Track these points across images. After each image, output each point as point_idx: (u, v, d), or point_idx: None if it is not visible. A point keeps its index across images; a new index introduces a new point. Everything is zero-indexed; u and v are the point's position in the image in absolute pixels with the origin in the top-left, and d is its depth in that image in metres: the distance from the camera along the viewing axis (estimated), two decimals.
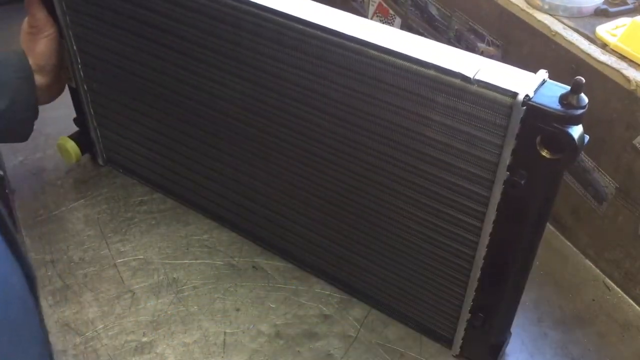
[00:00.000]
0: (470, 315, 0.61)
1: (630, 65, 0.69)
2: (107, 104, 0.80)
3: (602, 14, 0.78)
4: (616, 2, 0.80)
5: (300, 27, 0.55)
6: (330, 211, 0.66)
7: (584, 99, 0.46)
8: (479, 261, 0.56)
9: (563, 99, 0.45)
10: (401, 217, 0.60)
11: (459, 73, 0.48)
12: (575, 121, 0.45)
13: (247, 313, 0.70)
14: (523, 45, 0.82)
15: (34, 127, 0.88)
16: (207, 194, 0.77)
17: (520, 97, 0.46)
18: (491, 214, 0.53)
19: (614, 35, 0.72)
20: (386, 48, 0.51)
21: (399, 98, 0.52)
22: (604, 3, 0.79)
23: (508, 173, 0.49)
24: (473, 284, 0.58)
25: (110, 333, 0.67)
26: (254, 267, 0.75)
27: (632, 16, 0.76)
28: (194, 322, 0.68)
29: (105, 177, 0.85)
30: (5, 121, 0.70)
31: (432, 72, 0.50)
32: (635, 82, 0.67)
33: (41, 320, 0.55)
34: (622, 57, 0.70)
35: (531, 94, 0.46)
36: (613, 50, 0.71)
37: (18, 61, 0.70)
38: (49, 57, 0.73)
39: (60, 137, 0.83)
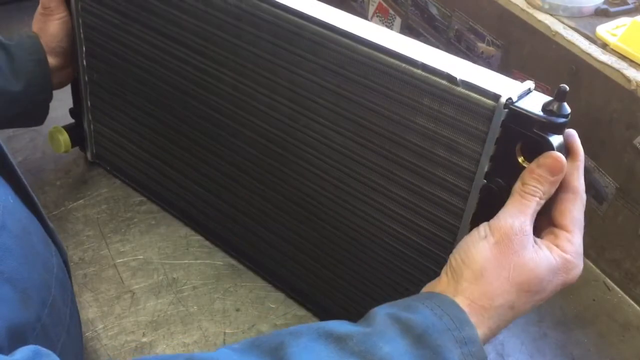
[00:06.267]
0: None
1: (631, 65, 0.69)
2: (105, 97, 0.79)
3: (602, 14, 0.78)
4: (616, 2, 0.80)
5: (295, 19, 0.55)
6: (304, 218, 0.64)
7: (567, 108, 0.45)
8: None
9: (546, 106, 0.45)
10: (373, 226, 0.59)
11: (446, 73, 0.48)
12: (556, 129, 0.45)
13: (247, 313, 0.70)
14: (523, 45, 0.82)
15: (33, 127, 0.88)
16: (192, 199, 0.76)
17: (503, 100, 0.45)
18: (465, 226, 0.51)
19: (614, 35, 0.72)
20: (376, 44, 0.51)
21: (385, 98, 0.52)
22: (604, 3, 0.79)
23: (485, 181, 0.48)
24: None
25: (110, 333, 0.67)
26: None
27: (632, 16, 0.76)
28: (194, 322, 0.68)
29: (105, 177, 0.85)
30: (23, 104, 0.72)
31: (419, 71, 0.49)
32: (636, 82, 0.67)
33: (74, 301, 0.56)
34: (623, 57, 0.70)
35: (514, 98, 0.46)
36: (613, 50, 0.71)
37: (31, 44, 0.72)
38: (60, 39, 0.74)
39: (53, 126, 0.82)
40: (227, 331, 0.68)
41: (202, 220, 0.77)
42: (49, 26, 0.74)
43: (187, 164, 0.74)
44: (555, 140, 0.45)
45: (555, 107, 0.44)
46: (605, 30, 0.74)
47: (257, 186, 0.67)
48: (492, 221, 0.45)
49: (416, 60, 0.50)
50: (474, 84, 0.47)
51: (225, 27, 0.61)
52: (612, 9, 0.78)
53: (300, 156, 0.61)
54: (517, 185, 0.45)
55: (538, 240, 0.45)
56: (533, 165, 0.45)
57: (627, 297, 0.76)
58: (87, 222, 0.79)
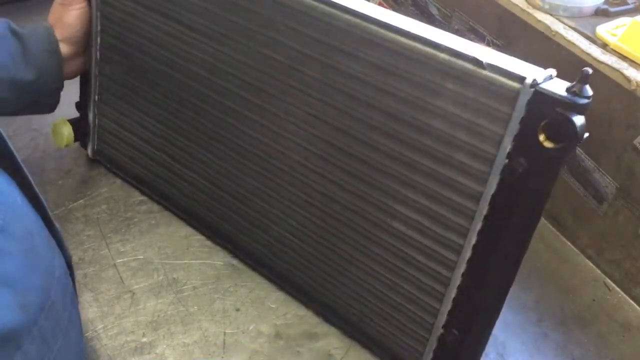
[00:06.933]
0: (443, 331, 0.59)
1: (631, 65, 0.69)
2: (115, 91, 0.80)
3: (602, 14, 0.78)
4: (616, 2, 0.80)
5: (326, 7, 0.57)
6: (315, 214, 0.64)
7: (589, 90, 0.47)
8: (461, 265, 0.55)
9: (570, 88, 0.47)
10: (386, 214, 0.59)
11: (472, 56, 0.49)
12: (578, 110, 0.47)
13: (247, 313, 0.70)
14: (523, 45, 0.82)
15: (34, 127, 0.89)
16: (196, 194, 0.76)
17: (529, 81, 0.47)
18: (483, 209, 0.52)
19: (615, 35, 0.72)
20: (402, 29, 0.52)
21: (408, 83, 0.53)
22: (604, 3, 0.79)
23: (507, 160, 0.50)
24: (451, 293, 0.57)
25: (110, 333, 0.67)
26: (254, 267, 0.75)
27: (632, 16, 0.76)
28: (194, 322, 0.68)
29: (105, 176, 0.85)
30: (34, 93, 0.72)
31: (445, 55, 0.51)
32: (636, 82, 0.67)
33: (76, 303, 0.56)
34: (623, 57, 0.70)
35: (539, 80, 0.47)
36: (613, 50, 0.71)
37: (46, 34, 0.72)
38: (76, 29, 0.75)
39: (60, 118, 0.82)
40: (227, 331, 0.68)
41: (205, 217, 0.76)
42: (67, 16, 0.74)
43: (196, 158, 0.74)
44: (578, 120, 0.46)
45: (578, 89, 0.47)
46: (605, 30, 0.74)
47: (269, 178, 0.68)
48: None
49: (441, 45, 0.51)
50: (500, 67, 0.49)
51: (251, 17, 0.62)
52: (612, 9, 0.78)
53: (313, 142, 0.62)
54: None
55: None
56: None
57: (627, 297, 0.76)
58: (87, 221, 0.79)
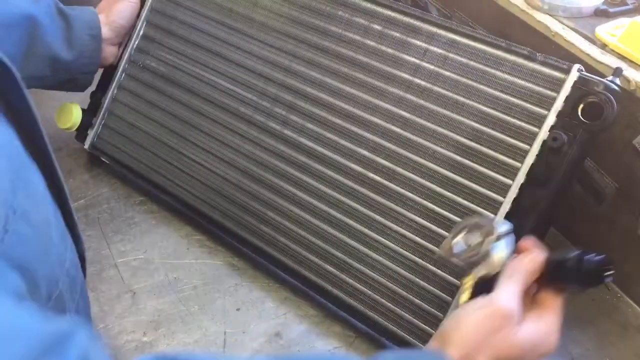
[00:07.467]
0: None
1: (630, 66, 0.69)
2: (135, 88, 0.82)
3: (601, 14, 0.78)
4: (616, 2, 0.80)
5: (409, 19, 0.70)
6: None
7: (619, 82, 0.61)
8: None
9: (606, 78, 0.60)
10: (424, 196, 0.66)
11: (527, 50, 0.63)
12: (614, 94, 0.59)
13: (247, 313, 0.70)
14: (523, 45, 0.82)
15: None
16: (200, 189, 0.77)
17: (575, 68, 0.60)
18: (521, 178, 0.61)
19: (614, 36, 0.72)
20: (465, 32, 0.66)
21: (464, 73, 0.65)
22: (603, 3, 0.79)
23: (549, 132, 0.60)
24: None
25: (110, 333, 0.67)
26: (254, 267, 0.75)
27: (631, 16, 0.76)
28: (194, 322, 0.68)
29: (106, 177, 0.86)
30: (71, 72, 0.77)
31: (500, 52, 0.64)
32: (635, 82, 0.67)
33: (86, 297, 0.56)
34: (622, 58, 0.70)
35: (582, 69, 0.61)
36: (613, 51, 0.71)
37: (91, 19, 0.76)
38: (121, 17, 0.80)
39: (73, 102, 0.83)
40: (227, 330, 0.68)
41: (209, 214, 0.77)
42: (118, 4, 0.79)
43: (208, 151, 0.77)
44: (613, 101, 0.59)
45: (614, 79, 0.60)
46: (605, 30, 0.73)
47: (291, 173, 0.72)
48: (487, 298, 0.50)
49: (500, 43, 0.64)
50: (550, 58, 0.62)
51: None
52: (612, 10, 0.78)
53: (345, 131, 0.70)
54: (507, 274, 0.52)
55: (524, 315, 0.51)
56: (520, 259, 0.53)
57: (626, 297, 0.76)
58: (88, 222, 0.79)
